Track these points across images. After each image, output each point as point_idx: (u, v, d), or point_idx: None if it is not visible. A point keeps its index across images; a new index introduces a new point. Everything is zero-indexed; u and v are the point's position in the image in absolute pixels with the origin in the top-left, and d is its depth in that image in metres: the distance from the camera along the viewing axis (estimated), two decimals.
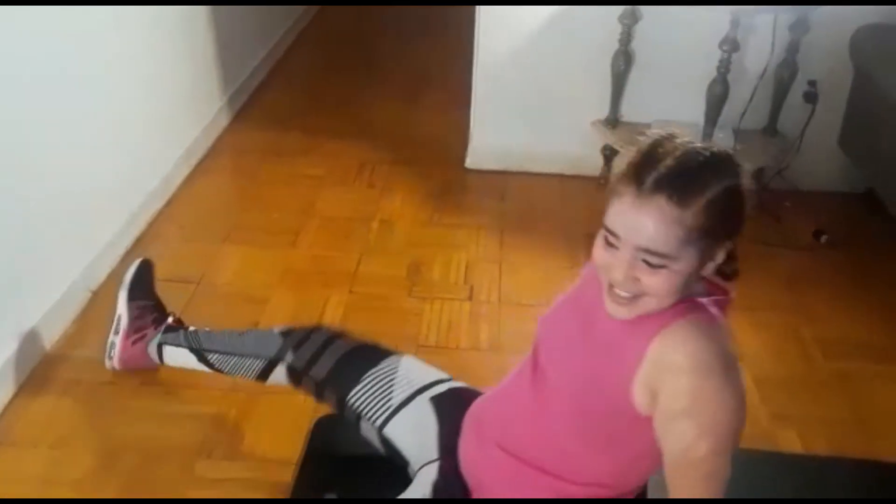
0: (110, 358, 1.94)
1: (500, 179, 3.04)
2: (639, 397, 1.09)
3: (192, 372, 1.92)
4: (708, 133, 2.66)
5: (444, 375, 1.54)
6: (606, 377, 1.13)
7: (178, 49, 2.91)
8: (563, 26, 2.83)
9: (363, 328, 1.74)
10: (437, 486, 1.34)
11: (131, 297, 1.94)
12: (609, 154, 2.98)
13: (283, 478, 1.71)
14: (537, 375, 1.27)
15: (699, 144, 1.08)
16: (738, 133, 2.77)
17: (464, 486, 1.35)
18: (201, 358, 1.75)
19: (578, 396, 1.18)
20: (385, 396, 1.48)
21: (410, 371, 1.53)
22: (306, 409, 1.87)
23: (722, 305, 1.16)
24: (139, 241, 2.56)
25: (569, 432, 1.20)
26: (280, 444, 1.83)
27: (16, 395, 1.95)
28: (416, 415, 1.45)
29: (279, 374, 1.61)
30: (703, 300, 1.12)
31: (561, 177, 3.05)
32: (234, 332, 1.75)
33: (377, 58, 4.21)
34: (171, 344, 1.82)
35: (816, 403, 2.01)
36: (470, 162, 3.13)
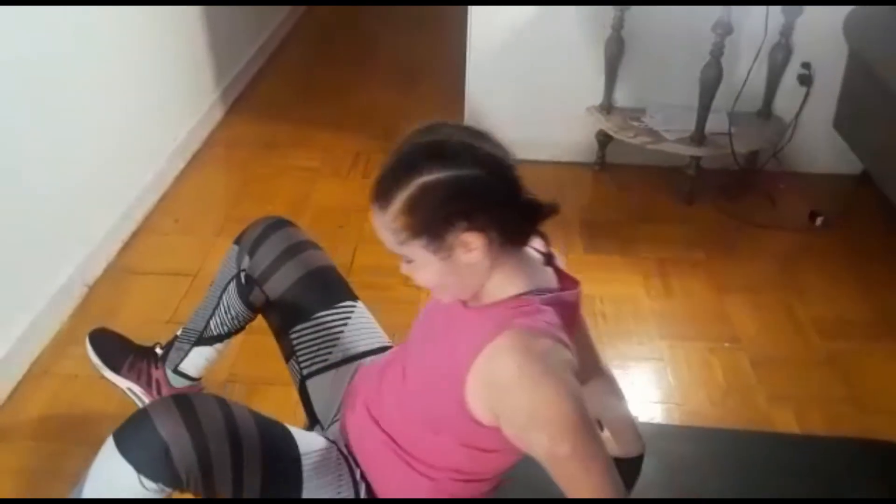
0: None
1: None
2: (476, 409, 1.10)
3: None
4: (702, 116, 2.66)
5: (387, 342, 1.51)
6: (443, 374, 1.14)
7: (172, 42, 2.90)
8: (555, 12, 2.82)
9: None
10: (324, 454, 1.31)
11: (115, 369, 1.74)
12: (604, 140, 2.98)
13: None
14: (407, 354, 1.28)
15: (424, 135, 1.12)
16: (732, 116, 2.77)
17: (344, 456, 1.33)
18: (208, 341, 1.64)
19: (426, 385, 1.20)
20: (325, 348, 1.45)
21: (359, 329, 1.48)
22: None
23: (564, 299, 1.16)
24: (135, 235, 2.56)
25: (420, 417, 1.21)
26: None
27: (14, 390, 1.95)
28: (343, 380, 1.42)
29: (249, 296, 1.52)
30: (534, 298, 1.11)
31: (556, 164, 3.05)
32: (208, 288, 1.64)
33: (371, 48, 4.20)
34: (181, 359, 1.69)
35: (812, 383, 2.01)
36: None
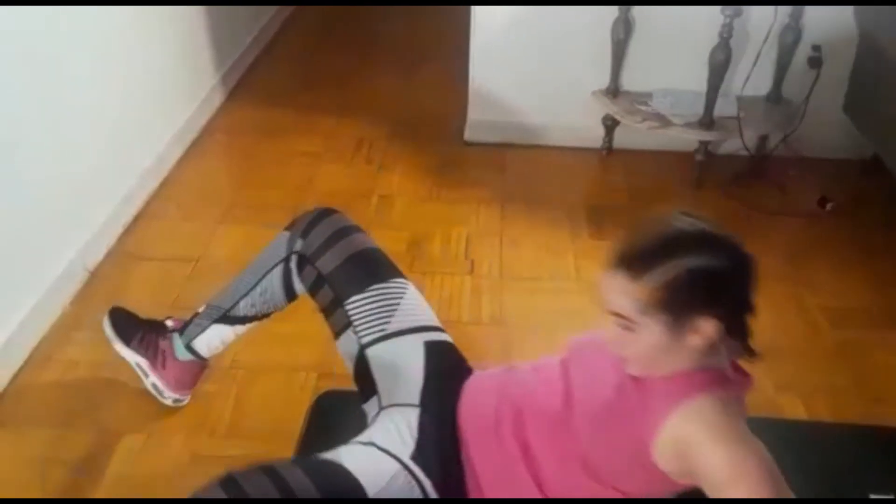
0: (165, 396, 1.82)
1: (499, 153, 3.00)
2: (662, 460, 1.13)
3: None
4: (711, 99, 2.62)
5: (440, 324, 1.52)
6: (627, 424, 1.18)
7: (169, 27, 2.86)
8: None
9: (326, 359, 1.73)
10: (420, 442, 1.32)
11: (126, 341, 1.80)
12: (610, 124, 2.94)
13: (285, 454, 1.69)
14: (566, 390, 1.28)
15: (685, 220, 1.14)
16: (741, 100, 2.73)
17: (441, 446, 1.32)
18: (231, 320, 1.67)
19: (599, 429, 1.21)
20: (384, 317, 1.46)
21: (415, 304, 1.51)
22: (307, 386, 1.86)
23: (741, 387, 1.21)
24: (136, 220, 2.54)
25: (581, 465, 1.22)
26: (281, 421, 1.81)
27: (15, 376, 1.94)
28: (405, 351, 1.44)
29: (297, 278, 1.57)
30: (723, 375, 1.18)
31: (562, 149, 3.02)
32: (241, 271, 1.67)
33: (373, 33, 4.15)
34: (197, 334, 1.72)
35: (821, 372, 1.99)
36: (469, 136, 3.09)
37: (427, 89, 3.50)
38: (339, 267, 1.50)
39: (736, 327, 1.17)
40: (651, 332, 1.12)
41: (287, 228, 1.60)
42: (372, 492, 1.23)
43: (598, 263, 2.41)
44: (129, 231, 2.48)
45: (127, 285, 2.27)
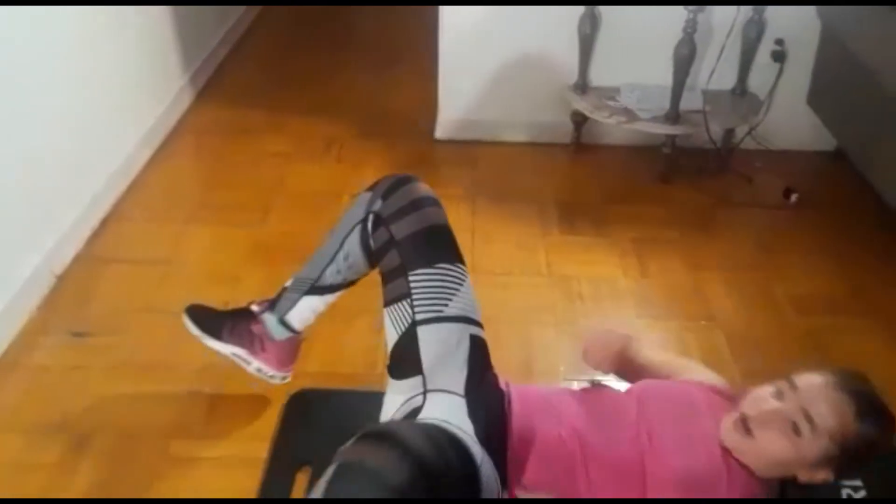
0: (275, 378, 1.80)
1: (470, 150, 3.01)
2: None
3: (167, 348, 1.96)
4: (676, 94, 2.65)
5: (481, 321, 1.54)
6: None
7: (135, 27, 2.83)
8: None
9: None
10: (475, 429, 1.38)
11: (216, 335, 1.78)
12: (579, 120, 2.96)
13: (259, 454, 1.70)
14: (639, 430, 1.39)
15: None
16: (707, 94, 2.77)
17: (489, 440, 1.37)
18: (320, 290, 1.66)
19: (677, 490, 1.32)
20: (442, 299, 1.46)
21: (470, 295, 1.52)
22: (281, 385, 1.85)
23: None
24: (104, 223, 2.51)
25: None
26: (255, 420, 1.82)
27: None
28: (453, 338, 1.46)
29: (372, 239, 1.56)
30: None
31: (532, 144, 3.04)
32: (323, 238, 1.67)
33: (343, 32, 4.14)
34: (289, 309, 1.71)
35: (788, 359, 2.02)
36: (440, 133, 3.10)
37: (398, 88, 3.50)
38: (412, 236, 1.49)
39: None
40: (802, 450, 1.29)
41: (368, 189, 1.58)
42: (473, 449, 1.30)
43: (569, 258, 2.45)
44: (97, 234, 2.46)
45: (96, 289, 2.24)
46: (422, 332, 1.45)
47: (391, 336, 1.49)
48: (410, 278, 1.47)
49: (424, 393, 1.42)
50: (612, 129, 2.86)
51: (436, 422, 1.35)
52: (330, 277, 1.66)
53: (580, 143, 3.02)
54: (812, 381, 1.32)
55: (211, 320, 1.81)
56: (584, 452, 1.35)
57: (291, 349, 1.79)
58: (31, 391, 1.89)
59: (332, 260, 1.64)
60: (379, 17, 4.28)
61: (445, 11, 2.88)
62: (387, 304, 1.51)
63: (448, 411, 1.38)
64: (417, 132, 3.12)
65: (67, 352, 2.01)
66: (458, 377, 1.44)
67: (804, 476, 1.35)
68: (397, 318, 1.48)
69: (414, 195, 1.52)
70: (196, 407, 1.86)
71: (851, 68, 2.50)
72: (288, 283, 1.73)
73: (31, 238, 2.18)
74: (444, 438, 1.25)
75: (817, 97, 2.81)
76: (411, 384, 1.44)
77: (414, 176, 1.58)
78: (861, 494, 1.57)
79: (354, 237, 1.58)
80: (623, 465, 1.35)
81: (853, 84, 2.52)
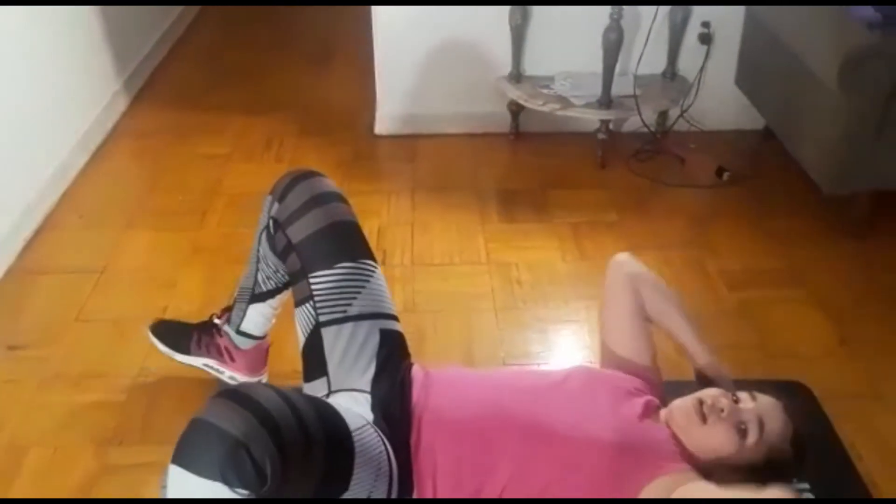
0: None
1: (410, 143, 3.02)
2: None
3: (102, 356, 1.95)
4: (607, 79, 2.69)
5: (395, 313, 1.55)
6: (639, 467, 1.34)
7: (66, 30, 2.79)
8: None
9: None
10: (375, 420, 1.36)
11: (185, 350, 1.82)
12: (515, 109, 2.99)
13: None
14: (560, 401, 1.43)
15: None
16: (638, 78, 2.81)
17: (392, 429, 1.35)
18: (260, 297, 1.70)
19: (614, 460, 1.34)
20: (345, 299, 1.46)
21: (379, 290, 1.52)
22: (215, 385, 1.84)
23: None
24: (38, 233, 2.46)
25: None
26: None
27: None
28: (361, 336, 1.45)
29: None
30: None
31: (470, 135, 3.05)
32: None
33: (280, 32, 4.11)
34: (241, 319, 1.74)
35: (722, 332, 2.05)
36: (379, 128, 3.10)
37: (336, 85, 3.50)
38: (309, 237, 1.48)
39: None
40: (741, 451, 1.36)
41: (270, 192, 1.57)
42: (353, 427, 1.26)
43: (508, 244, 2.47)
44: (29, 245, 2.41)
45: (28, 301, 2.20)
46: (325, 333, 1.45)
47: (300, 338, 1.50)
48: (311, 281, 1.47)
49: (328, 395, 1.42)
50: (549, 117, 2.88)
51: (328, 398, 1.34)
52: (264, 284, 1.69)
53: (518, 133, 3.05)
54: (771, 400, 1.42)
55: (177, 336, 1.83)
56: (497, 425, 1.35)
57: (259, 355, 1.82)
58: None
59: (257, 268, 1.66)
60: (314, 16, 4.26)
61: (378, 8, 2.88)
62: (295, 305, 1.51)
63: (347, 404, 1.37)
64: (357, 128, 3.12)
65: (1, 365, 1.98)
66: (364, 375, 1.44)
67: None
68: (303, 320, 1.49)
69: (309, 194, 1.51)
70: (134, 414, 1.84)
71: (776, 49, 2.57)
72: (235, 293, 1.75)
73: None
74: (305, 401, 1.21)
75: (745, 78, 2.87)
76: (317, 386, 1.45)
77: (310, 171, 1.57)
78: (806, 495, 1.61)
79: (264, 245, 1.61)
80: (546, 433, 1.36)
81: (778, 64, 2.58)
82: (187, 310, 2.12)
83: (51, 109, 2.65)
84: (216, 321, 1.81)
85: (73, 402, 1.87)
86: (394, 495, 1.30)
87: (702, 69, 2.89)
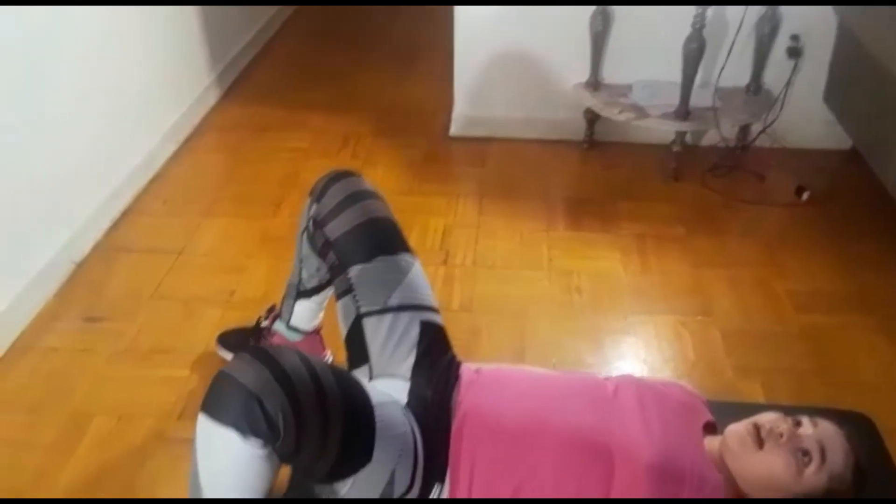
0: None
1: (482, 146, 3.05)
2: None
3: (171, 333, 2.06)
4: (686, 89, 2.64)
5: (437, 306, 1.58)
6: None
7: (164, 27, 2.94)
8: None
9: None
10: (410, 402, 1.41)
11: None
12: (592, 118, 2.97)
13: None
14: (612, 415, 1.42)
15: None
16: (719, 91, 2.75)
17: (427, 418, 1.38)
18: (307, 294, 1.77)
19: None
20: (385, 290, 1.50)
21: (418, 282, 1.56)
22: None
23: None
24: (124, 216, 2.61)
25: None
26: None
27: None
28: (402, 326, 1.49)
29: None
30: None
31: (543, 142, 3.05)
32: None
33: (368, 33, 4.21)
34: (290, 315, 1.81)
35: (782, 355, 2.01)
36: (454, 130, 3.14)
37: (416, 87, 3.55)
38: (346, 234, 1.53)
39: None
40: (800, 480, 1.30)
41: (309, 194, 1.64)
42: (375, 401, 1.31)
43: (571, 253, 2.46)
44: (116, 225, 2.56)
45: (111, 276, 2.34)
46: (366, 323, 1.50)
47: (343, 329, 1.54)
48: (350, 274, 1.52)
49: (370, 381, 1.47)
50: (624, 126, 2.86)
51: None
52: (308, 282, 1.74)
53: (593, 141, 3.02)
54: (833, 427, 1.36)
55: (238, 343, 1.93)
56: (540, 430, 1.36)
57: (315, 343, 1.88)
58: (38, 372, 1.99)
59: (301, 267, 1.73)
60: (405, 16, 4.34)
61: (460, 10, 2.91)
62: (337, 298, 1.56)
63: (386, 388, 1.41)
64: (432, 129, 3.16)
65: (78, 335, 2.11)
66: (404, 362, 1.48)
67: None
68: (345, 312, 1.53)
69: (345, 192, 1.56)
70: (195, 390, 1.92)
71: (868, 66, 2.46)
72: (284, 292, 1.82)
73: (52, 228, 2.28)
74: (327, 368, 1.25)
75: (833, 95, 2.77)
76: (359, 374, 1.49)
77: (348, 171, 1.62)
78: None
79: (306, 245, 1.66)
80: (591, 443, 1.36)
81: (870, 82, 2.48)
82: (252, 295, 2.23)
83: (145, 101, 2.80)
84: (263, 324, 1.88)
85: (139, 376, 1.97)
86: (419, 478, 1.33)
87: (788, 84, 2.80)
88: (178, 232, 2.55)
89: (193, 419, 1.79)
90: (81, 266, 2.37)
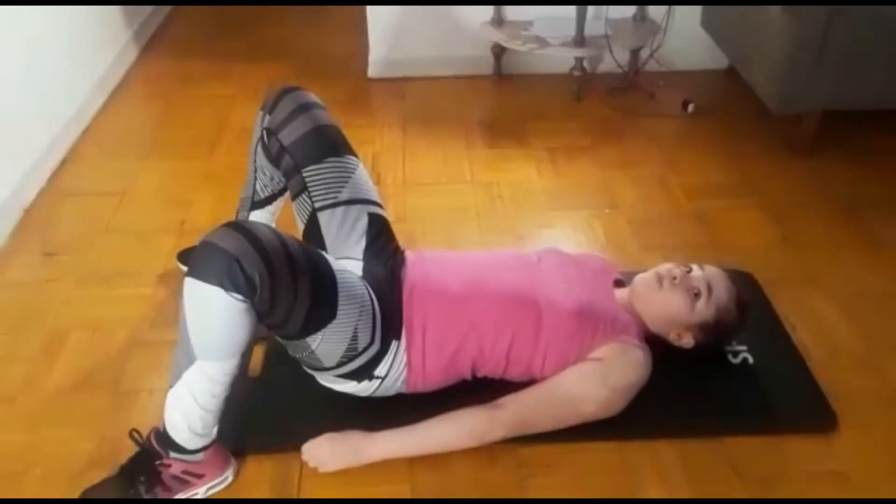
0: None
1: (400, 85, 3.27)
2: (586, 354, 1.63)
3: (130, 260, 2.21)
4: (581, 20, 2.92)
5: (381, 202, 1.81)
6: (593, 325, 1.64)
7: None
8: None
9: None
10: (364, 275, 1.65)
11: None
12: (498, 52, 3.23)
13: None
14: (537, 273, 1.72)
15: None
16: (610, 21, 3.05)
17: (382, 290, 1.62)
18: (260, 204, 1.92)
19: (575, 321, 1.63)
20: (336, 186, 1.72)
21: (364, 180, 1.79)
22: None
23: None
24: (64, 163, 2.71)
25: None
26: None
27: None
28: (352, 216, 1.73)
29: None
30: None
31: (457, 77, 3.30)
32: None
33: None
34: None
35: (678, 233, 2.33)
36: (372, 72, 3.34)
37: (331, 34, 3.74)
38: (299, 139, 1.73)
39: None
40: (694, 311, 1.66)
41: (261, 108, 1.81)
42: (336, 268, 1.53)
43: (490, 167, 2.70)
44: (56, 174, 2.65)
45: (60, 218, 2.45)
46: (321, 216, 1.73)
47: (300, 225, 1.77)
48: (304, 174, 1.73)
49: None
50: (529, 59, 3.12)
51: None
52: (262, 191, 1.92)
53: (501, 74, 3.29)
54: (716, 269, 1.73)
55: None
56: (478, 291, 1.63)
57: None
58: (8, 301, 2.10)
59: (255, 178, 1.90)
60: None
61: None
62: (292, 199, 1.78)
63: (343, 265, 1.63)
64: (351, 73, 3.36)
65: (40, 268, 2.23)
66: (356, 246, 1.72)
67: (675, 336, 1.71)
68: (301, 208, 1.76)
69: (295, 103, 1.76)
70: (165, 302, 2.07)
71: None
72: (238, 206, 1.98)
73: None
74: (294, 239, 1.46)
75: (710, 19, 3.10)
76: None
77: (295, 86, 1.82)
78: (742, 357, 1.84)
79: (260, 155, 1.84)
80: (522, 297, 1.64)
81: (738, 6, 2.81)
82: (203, 222, 2.38)
83: (69, 56, 2.89)
84: None
85: (107, 295, 2.11)
86: (378, 335, 1.57)
87: (668, 12, 3.13)
88: (119, 175, 2.67)
89: (165, 326, 2.02)
90: (29, 211, 2.47)
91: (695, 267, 1.72)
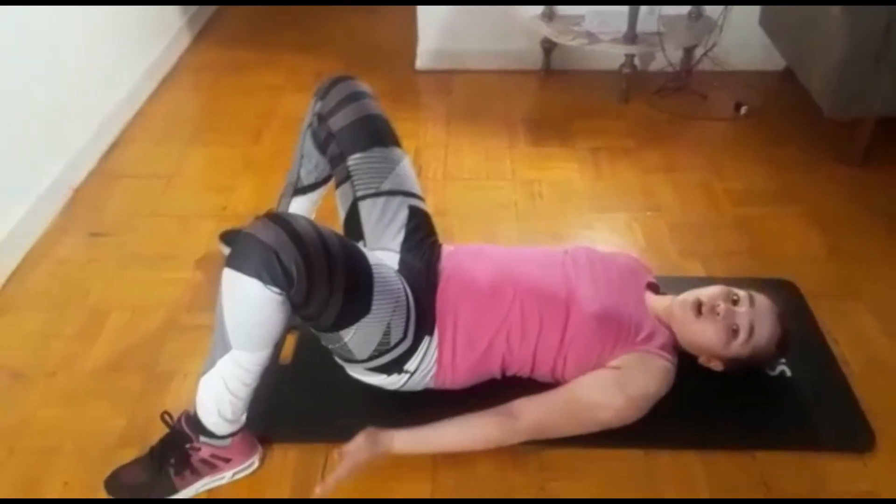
0: None
1: (447, 78, 3.26)
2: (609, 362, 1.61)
3: (172, 243, 2.24)
4: (633, 16, 2.87)
5: (422, 196, 1.83)
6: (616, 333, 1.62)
7: None
8: None
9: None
10: (400, 269, 1.64)
11: None
12: (548, 47, 3.19)
13: None
14: (568, 272, 1.70)
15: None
16: (664, 17, 2.99)
17: (418, 284, 1.61)
18: (303, 191, 1.93)
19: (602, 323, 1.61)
20: (379, 176, 1.74)
21: (407, 172, 1.81)
22: None
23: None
24: (113, 147, 2.78)
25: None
26: None
27: (13, 273, 2.18)
28: (393, 208, 1.74)
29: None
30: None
31: (504, 72, 3.27)
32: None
33: None
34: (286, 210, 1.95)
35: (719, 239, 2.27)
36: (420, 64, 3.34)
37: (381, 26, 3.75)
38: (348, 126, 1.76)
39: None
40: (728, 348, 1.61)
41: (314, 94, 1.84)
42: (372, 262, 1.53)
43: (532, 165, 2.69)
44: (106, 156, 2.72)
45: (108, 199, 2.51)
46: (362, 205, 1.74)
47: (341, 213, 1.79)
48: (349, 163, 1.75)
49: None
50: (579, 55, 3.09)
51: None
52: (305, 178, 1.93)
53: (549, 70, 3.26)
54: (767, 304, 1.64)
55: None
56: (508, 287, 1.62)
57: None
58: (54, 277, 2.17)
59: (300, 164, 1.92)
60: None
61: None
62: (336, 187, 1.80)
63: (380, 258, 1.63)
64: (399, 64, 3.36)
65: (85, 248, 2.29)
66: (394, 239, 1.73)
67: (705, 360, 1.68)
68: (344, 196, 1.77)
69: (347, 91, 1.78)
70: (201, 287, 2.12)
71: None
72: (281, 191, 2.00)
73: (49, 157, 2.44)
74: (332, 232, 1.47)
75: (768, 18, 3.02)
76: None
77: (349, 75, 1.84)
78: (780, 370, 1.79)
79: (308, 141, 1.86)
80: (550, 295, 1.62)
81: (797, 5, 2.73)
82: (243, 210, 2.42)
83: (123, 42, 2.96)
84: None
85: (148, 277, 2.16)
86: (411, 331, 1.56)
87: (726, 9, 3.05)
88: (166, 159, 2.72)
89: (202, 311, 2.06)
90: (80, 191, 2.54)
91: (743, 297, 1.63)
